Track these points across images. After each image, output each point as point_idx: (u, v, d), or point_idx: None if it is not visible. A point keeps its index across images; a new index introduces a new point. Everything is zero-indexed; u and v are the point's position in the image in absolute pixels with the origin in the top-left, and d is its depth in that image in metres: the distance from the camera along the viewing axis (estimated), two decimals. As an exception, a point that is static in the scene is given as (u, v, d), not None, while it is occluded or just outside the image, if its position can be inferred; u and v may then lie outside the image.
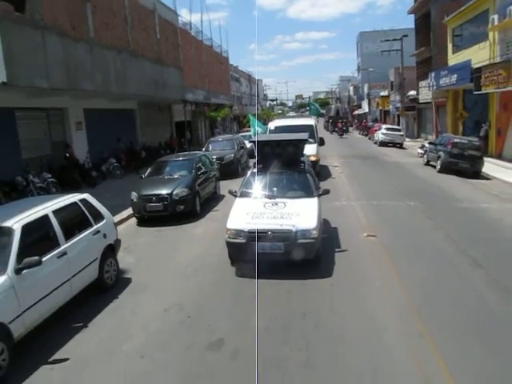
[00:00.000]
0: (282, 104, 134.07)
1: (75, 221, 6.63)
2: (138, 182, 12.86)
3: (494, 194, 14.56)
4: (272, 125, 19.67)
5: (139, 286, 7.39)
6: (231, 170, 19.30)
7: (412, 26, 41.75)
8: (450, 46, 30.32)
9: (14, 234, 5.31)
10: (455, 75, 25.75)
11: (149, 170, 13.19)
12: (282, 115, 66.02)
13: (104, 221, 7.24)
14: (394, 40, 40.90)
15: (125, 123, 24.97)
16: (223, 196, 14.23)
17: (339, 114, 54.13)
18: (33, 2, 13.18)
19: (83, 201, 6.94)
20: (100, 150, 20.89)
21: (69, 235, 6.23)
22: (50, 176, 16.19)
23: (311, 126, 19.19)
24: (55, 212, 6.11)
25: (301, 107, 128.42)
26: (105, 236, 7.13)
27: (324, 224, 8.97)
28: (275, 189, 8.91)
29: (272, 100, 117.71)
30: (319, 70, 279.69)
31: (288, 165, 9.41)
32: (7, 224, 5.41)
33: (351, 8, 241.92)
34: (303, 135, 10.59)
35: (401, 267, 7.74)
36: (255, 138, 10.57)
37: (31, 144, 17.33)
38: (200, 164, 13.36)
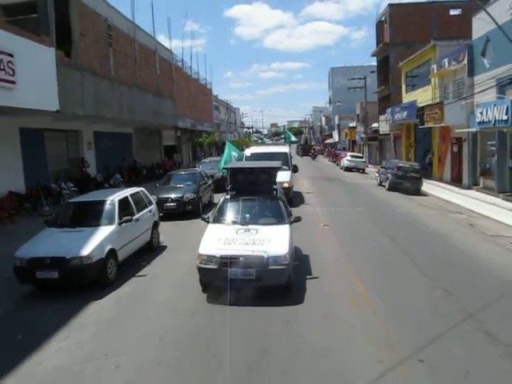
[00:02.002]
0: (258, 132, 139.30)
1: (140, 202, 10.68)
2: (154, 189, 16.72)
3: (424, 205, 19.10)
4: (248, 151, 20.16)
5: (171, 250, 11.36)
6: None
7: (378, 64, 47.11)
8: (403, 86, 35.57)
9: (115, 204, 9.36)
10: (405, 112, 30.75)
11: (162, 180, 17.19)
12: (259, 143, 70.71)
13: (153, 205, 11.29)
14: (359, 79, 46.19)
15: (124, 145, 28.92)
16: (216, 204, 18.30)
17: (307, 142, 75.22)
18: (76, 49, 17.29)
19: (142, 191, 11.02)
20: (105, 166, 24.77)
21: (138, 210, 10.27)
22: (72, 185, 19.88)
23: (286, 153, 19.80)
24: (131, 195, 10.24)
25: (275, 135, 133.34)
26: (153, 215, 11.17)
27: (295, 251, 9.13)
28: (248, 215, 9.00)
29: (248, 128, 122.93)
30: (294, 99, 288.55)
31: (261, 192, 9.61)
32: (111, 198, 9.44)
33: (326, 40, 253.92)
34: (276, 163, 10.91)
35: (342, 243, 12.01)
36: (229, 165, 11.29)
37: (54, 159, 21.06)
38: (200, 177, 17.48)
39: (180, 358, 5.72)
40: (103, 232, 8.54)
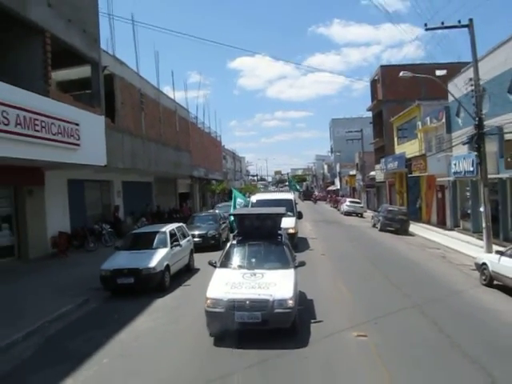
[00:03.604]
0: (263, 179, 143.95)
1: (182, 233, 14.17)
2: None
3: (408, 243, 22.47)
4: (254, 198, 21.04)
5: (202, 271, 14.55)
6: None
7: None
8: (395, 139, 39.56)
9: (167, 233, 12.89)
10: (396, 162, 34.57)
11: (189, 220, 20.69)
12: (264, 190, 74.82)
13: (189, 236, 14.78)
14: (356, 131, 50.52)
15: (145, 192, 32.59)
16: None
17: (308, 189, 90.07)
18: (118, 115, 21.32)
19: (183, 226, 14.62)
20: (131, 211, 28.33)
21: (181, 239, 13.73)
22: (109, 227, 23.34)
23: (290, 200, 20.56)
24: (176, 228, 13.75)
25: (279, 182, 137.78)
26: (190, 244, 14.62)
27: (300, 296, 9.26)
28: (253, 260, 9.17)
29: (253, 175, 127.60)
30: (297, 147, 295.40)
31: (266, 237, 9.81)
32: (163, 230, 13.00)
33: (328, 90, 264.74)
34: (281, 209, 11.22)
35: (334, 263, 15.36)
36: (236, 212, 12.01)
37: (91, 205, 24.61)
38: (219, 218, 21.01)
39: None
40: (161, 252, 12.04)
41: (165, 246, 12.47)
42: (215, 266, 9.39)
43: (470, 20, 16.99)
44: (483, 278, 12.59)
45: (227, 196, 65.99)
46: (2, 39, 14.52)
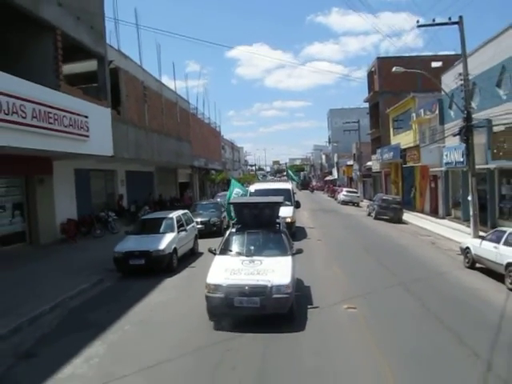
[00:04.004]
0: (261, 169, 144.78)
1: (187, 220, 15.13)
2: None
3: (401, 230, 23.48)
4: (253, 188, 21.34)
5: (206, 254, 15.43)
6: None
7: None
8: (391, 129, 40.44)
9: (174, 219, 13.85)
10: (392, 153, 35.50)
11: (191, 208, 21.62)
12: (263, 179, 75.73)
13: (194, 223, 15.74)
14: (353, 122, 51.34)
15: (147, 182, 33.46)
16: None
17: (305, 179, 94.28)
18: (123, 107, 22.17)
19: (188, 212, 15.57)
20: (134, 199, 29.24)
21: (186, 224, 14.71)
22: (114, 214, 24.25)
23: (288, 189, 20.86)
24: (182, 214, 14.75)
25: (277, 172, 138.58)
26: (195, 229, 15.58)
27: (297, 283, 9.46)
28: (252, 247, 9.33)
29: (251, 165, 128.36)
30: (296, 137, 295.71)
31: (264, 225, 10.01)
32: (171, 216, 13.96)
33: (327, 80, 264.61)
34: (278, 198, 11.36)
35: (331, 249, 16.37)
36: (234, 200, 12.09)
37: (96, 194, 25.50)
38: (221, 206, 21.97)
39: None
40: (168, 237, 13.03)
41: (172, 231, 13.45)
42: (215, 253, 9.60)
43: (460, 17, 17.81)
44: (466, 260, 13.61)
45: (226, 186, 67.13)
46: (17, 37, 15.32)
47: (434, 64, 43.93)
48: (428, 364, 6.59)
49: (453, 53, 36.29)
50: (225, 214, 21.58)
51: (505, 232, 11.93)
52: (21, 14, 14.00)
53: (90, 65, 20.20)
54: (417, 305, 9.64)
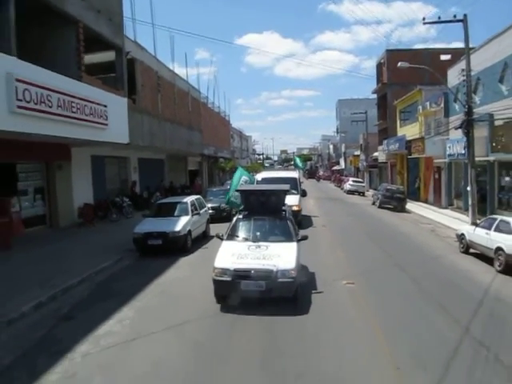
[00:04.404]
0: (269, 158, 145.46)
1: (200, 204, 16.18)
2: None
3: (403, 218, 24.38)
4: (259, 176, 21.59)
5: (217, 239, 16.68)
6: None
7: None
8: (398, 121, 41.07)
9: (188, 203, 14.91)
10: (397, 144, 36.21)
11: (203, 194, 22.65)
12: (270, 168, 76.56)
13: (206, 207, 16.76)
14: (361, 113, 51.94)
15: (158, 169, 34.51)
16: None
17: (312, 168, 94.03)
18: (138, 97, 23.12)
19: (200, 198, 16.61)
20: (146, 186, 30.30)
21: (200, 208, 15.74)
22: (127, 200, 25.32)
23: (295, 178, 20.99)
24: (195, 199, 15.76)
25: (285, 161, 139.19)
26: (207, 213, 16.62)
27: (302, 269, 9.77)
28: (258, 233, 9.61)
29: (259, 154, 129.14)
30: (304, 127, 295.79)
31: (271, 212, 10.27)
32: (185, 200, 15.02)
33: (336, 69, 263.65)
34: (285, 186, 11.62)
35: (334, 234, 17.30)
36: (242, 188, 12.38)
37: (110, 180, 26.56)
38: (230, 193, 23.02)
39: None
40: (183, 219, 14.08)
41: (186, 214, 14.50)
42: (222, 239, 9.89)
43: (465, 15, 18.56)
44: (461, 246, 14.53)
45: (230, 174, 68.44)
46: (43, 31, 16.26)
47: (443, 57, 44.44)
48: (413, 325, 7.67)
49: (462, 46, 37.09)
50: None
51: (496, 219, 12.85)
52: (47, 8, 14.93)
53: (107, 55, 21.12)
54: (410, 282, 10.63)
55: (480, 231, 13.16)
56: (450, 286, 10.44)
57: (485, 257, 12.89)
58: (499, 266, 11.68)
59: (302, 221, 19.14)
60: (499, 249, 11.71)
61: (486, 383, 5.70)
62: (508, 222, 12.06)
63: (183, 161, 41.54)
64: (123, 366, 6.31)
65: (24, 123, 12.90)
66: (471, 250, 14.03)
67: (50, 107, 14.04)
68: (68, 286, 10.18)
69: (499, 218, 12.92)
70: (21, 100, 12.46)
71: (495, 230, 12.34)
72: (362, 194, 43.19)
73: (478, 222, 15.01)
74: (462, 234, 14.46)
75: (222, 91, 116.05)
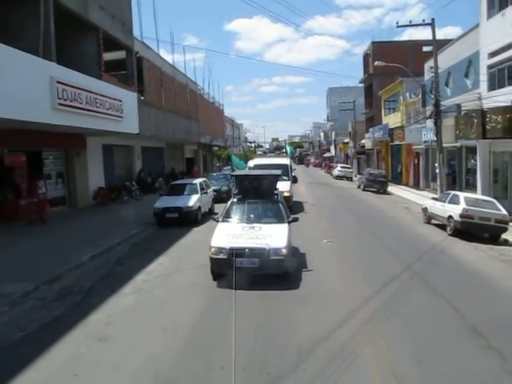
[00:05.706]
0: (260, 146, 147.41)
1: (206, 185, 19.00)
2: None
3: (384, 199, 27.39)
4: (252, 163, 22.30)
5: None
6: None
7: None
8: (383, 110, 43.90)
9: (198, 184, 17.84)
10: (381, 132, 39.13)
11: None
12: (263, 155, 79.04)
13: (211, 188, 19.59)
14: (349, 102, 54.70)
15: (159, 156, 37.15)
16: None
17: (301, 154, 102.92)
18: (146, 91, 25.75)
19: (206, 180, 19.44)
20: (148, 172, 32.97)
21: (207, 188, 18.59)
22: (135, 185, 27.98)
23: (286, 164, 21.49)
24: (203, 181, 18.70)
25: (276, 149, 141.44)
26: (212, 194, 19.52)
27: (294, 250, 10.49)
28: (252, 215, 10.16)
29: (251, 142, 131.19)
30: (295, 113, 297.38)
31: (263, 196, 10.85)
32: (195, 182, 17.95)
33: (328, 54, 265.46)
34: (277, 171, 12.19)
35: (321, 211, 20.23)
36: (236, 173, 13.19)
37: (118, 166, 29.19)
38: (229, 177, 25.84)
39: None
40: (194, 197, 16.95)
41: (196, 193, 17.37)
42: (217, 221, 10.52)
43: (433, 19, 21.40)
44: (425, 217, 17.53)
45: (223, 162, 71.13)
46: (72, 39, 18.76)
47: (425, 48, 46.95)
48: (372, 265, 10.72)
49: (443, 38, 39.79)
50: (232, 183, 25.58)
51: (450, 194, 15.84)
52: (75, 19, 17.49)
53: (116, 54, 23.65)
54: (376, 241, 13.70)
55: (438, 204, 16.13)
56: (407, 244, 13.42)
57: (442, 226, 15.87)
58: (450, 230, 14.69)
59: (292, 206, 19.71)
60: (450, 217, 14.69)
61: (414, 296, 8.58)
62: (458, 196, 15.06)
63: (180, 149, 44.04)
64: (172, 285, 9.28)
65: (62, 117, 15.56)
66: (433, 221, 17.01)
67: (81, 103, 16.67)
68: (111, 245, 13.00)
69: (452, 192, 15.92)
70: (60, 98, 15.11)
71: (449, 202, 15.30)
72: (349, 179, 46.03)
73: (437, 196, 18.01)
74: (426, 208, 17.44)
75: (217, 81, 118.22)
